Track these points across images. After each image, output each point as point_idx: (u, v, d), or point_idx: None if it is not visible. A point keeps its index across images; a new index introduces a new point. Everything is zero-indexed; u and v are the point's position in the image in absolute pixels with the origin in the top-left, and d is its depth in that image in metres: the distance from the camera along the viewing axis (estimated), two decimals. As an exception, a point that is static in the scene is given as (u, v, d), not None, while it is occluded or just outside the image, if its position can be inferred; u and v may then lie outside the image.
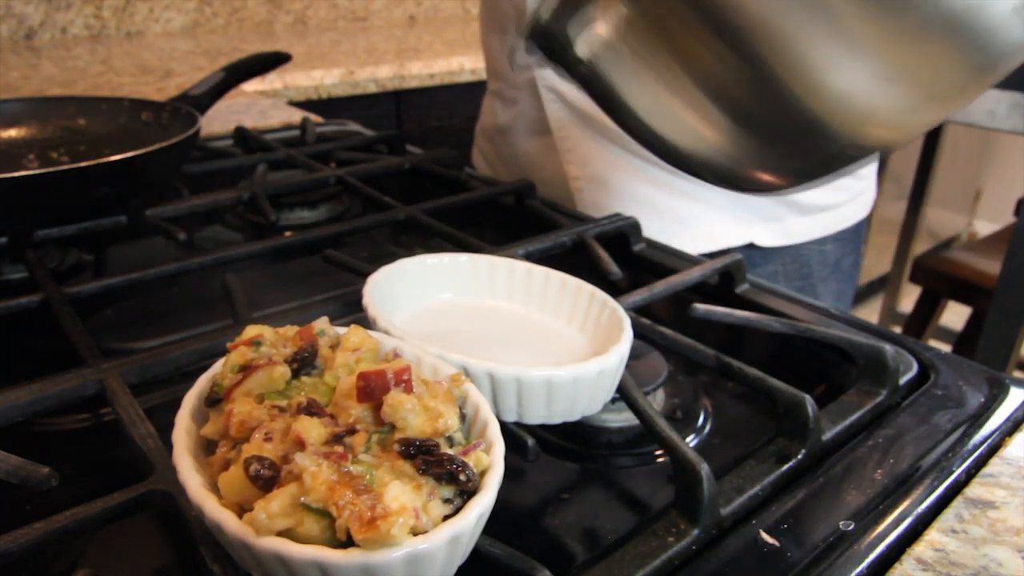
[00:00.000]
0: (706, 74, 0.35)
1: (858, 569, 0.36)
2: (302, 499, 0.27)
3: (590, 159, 0.92)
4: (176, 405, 0.35)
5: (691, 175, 0.45)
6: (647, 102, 0.39)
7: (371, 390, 0.31)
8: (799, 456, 0.43)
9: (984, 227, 3.60)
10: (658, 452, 0.48)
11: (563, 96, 0.91)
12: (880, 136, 0.38)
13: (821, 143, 0.38)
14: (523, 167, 1.00)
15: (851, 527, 0.39)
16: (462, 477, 0.29)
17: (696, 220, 0.88)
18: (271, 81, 1.56)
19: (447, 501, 0.30)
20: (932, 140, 2.45)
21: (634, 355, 0.45)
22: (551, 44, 0.38)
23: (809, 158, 0.40)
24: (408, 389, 0.32)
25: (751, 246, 0.91)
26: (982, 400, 0.49)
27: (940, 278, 2.20)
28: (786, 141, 0.39)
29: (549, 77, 0.91)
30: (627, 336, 0.42)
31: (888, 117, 0.36)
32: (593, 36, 0.36)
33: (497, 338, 0.47)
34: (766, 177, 0.43)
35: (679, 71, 0.36)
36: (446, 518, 0.29)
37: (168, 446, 0.33)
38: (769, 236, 0.91)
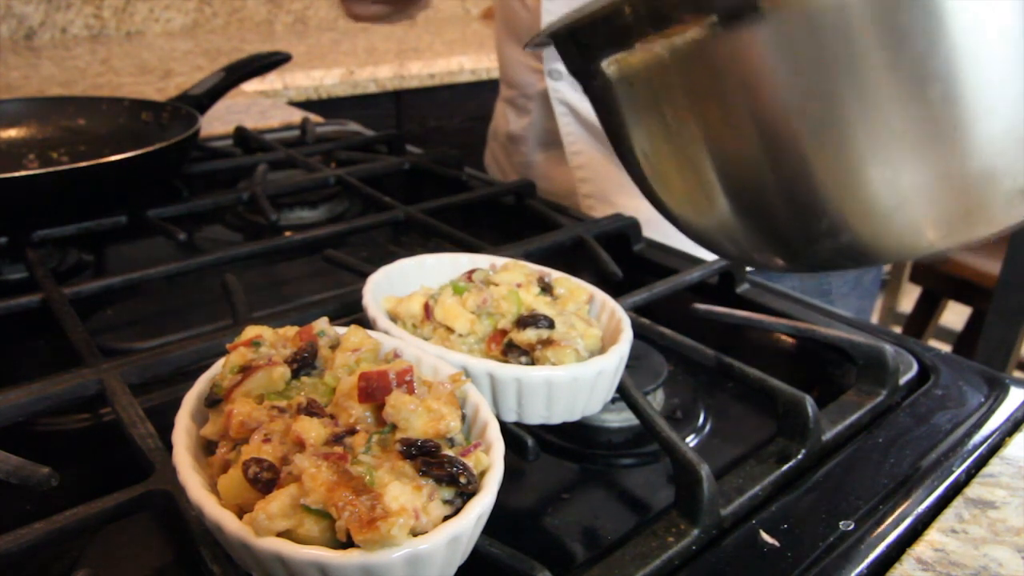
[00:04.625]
0: (720, 147, 0.33)
1: (858, 569, 0.36)
2: (302, 500, 0.27)
3: (601, 175, 0.91)
4: (176, 405, 0.35)
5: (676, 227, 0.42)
6: (648, 148, 0.36)
7: (372, 391, 0.31)
8: (799, 456, 0.43)
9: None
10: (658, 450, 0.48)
11: (576, 111, 0.90)
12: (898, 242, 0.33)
13: (835, 236, 0.34)
14: (534, 177, 0.99)
15: (851, 527, 0.39)
16: (462, 479, 0.29)
17: None
18: (271, 81, 1.56)
19: (447, 502, 0.30)
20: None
21: (634, 355, 0.45)
22: (576, 48, 0.36)
23: (816, 251, 0.36)
24: (410, 390, 0.32)
25: None
26: (982, 400, 0.49)
27: (940, 278, 2.20)
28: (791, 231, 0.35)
29: (562, 90, 0.89)
30: (627, 336, 0.42)
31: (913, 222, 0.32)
32: (622, 61, 0.34)
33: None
34: (750, 256, 0.39)
35: (692, 136, 0.33)
36: (446, 519, 0.29)
37: (168, 446, 0.33)
38: None
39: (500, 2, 0.97)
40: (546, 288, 0.45)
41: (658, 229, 0.90)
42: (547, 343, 0.40)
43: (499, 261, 0.49)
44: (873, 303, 1.04)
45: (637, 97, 0.35)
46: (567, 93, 0.89)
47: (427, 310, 0.43)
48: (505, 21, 0.96)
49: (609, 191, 0.90)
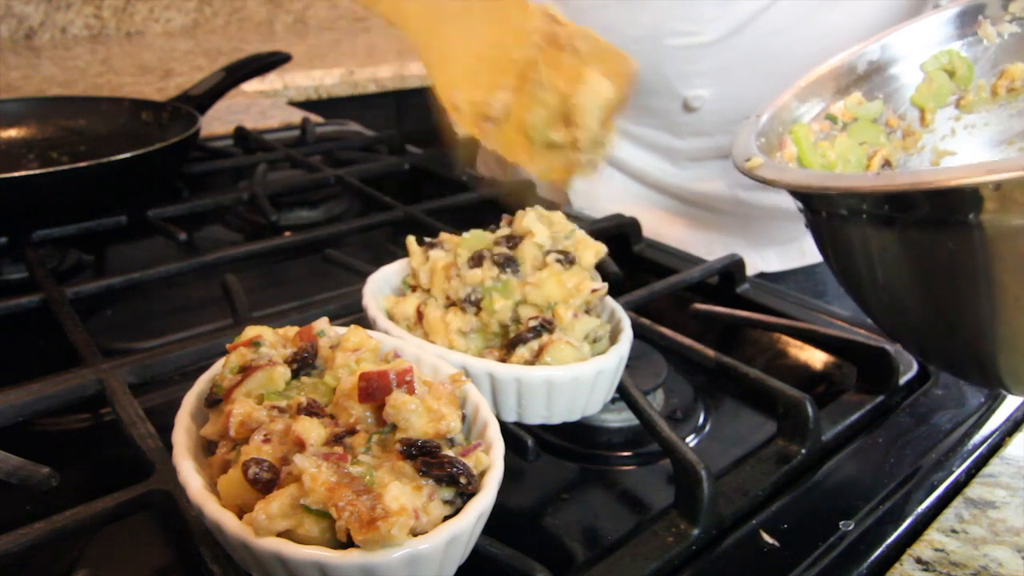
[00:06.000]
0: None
1: (858, 569, 0.36)
2: (302, 500, 0.27)
3: (594, 186, 0.91)
4: (176, 405, 0.35)
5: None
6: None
7: (373, 391, 0.31)
8: (799, 456, 0.43)
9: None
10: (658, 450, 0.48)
11: None
12: None
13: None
14: None
15: (851, 527, 0.39)
16: (462, 480, 0.29)
17: (704, 249, 0.86)
18: (271, 81, 1.56)
19: (447, 502, 0.30)
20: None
21: (634, 355, 0.45)
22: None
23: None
24: (411, 390, 0.32)
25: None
26: (982, 400, 0.49)
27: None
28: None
29: None
30: (627, 336, 0.42)
31: None
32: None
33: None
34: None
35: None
36: (446, 519, 0.29)
37: (168, 446, 0.33)
38: (783, 258, 0.89)
39: None
40: (566, 257, 0.43)
41: (658, 231, 0.90)
42: (543, 348, 0.40)
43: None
44: None
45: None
46: None
47: (420, 314, 0.43)
48: None
49: (600, 201, 0.90)
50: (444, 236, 0.46)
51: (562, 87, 0.42)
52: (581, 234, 0.45)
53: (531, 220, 0.44)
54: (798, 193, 0.41)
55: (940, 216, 0.34)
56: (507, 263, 0.42)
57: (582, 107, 0.41)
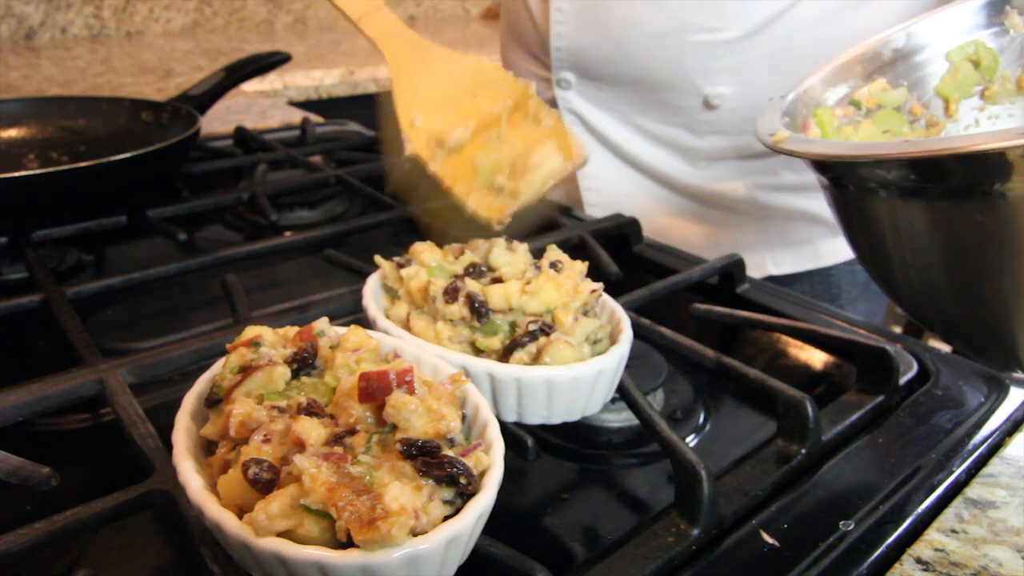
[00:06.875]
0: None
1: (858, 569, 0.36)
2: (302, 500, 0.27)
3: (608, 184, 0.90)
4: (176, 405, 0.35)
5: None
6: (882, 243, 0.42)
7: (373, 391, 0.31)
8: (799, 456, 0.43)
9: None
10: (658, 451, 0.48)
11: (585, 120, 0.89)
12: None
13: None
14: None
15: (851, 527, 0.39)
16: (462, 480, 0.29)
17: (715, 251, 0.85)
18: (271, 81, 1.56)
19: (447, 502, 0.30)
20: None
21: (634, 355, 0.45)
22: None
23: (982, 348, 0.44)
24: (411, 390, 0.32)
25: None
26: (982, 400, 0.49)
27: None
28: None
29: (571, 99, 0.88)
30: (627, 336, 0.42)
31: None
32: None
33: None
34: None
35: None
36: (446, 519, 0.29)
37: (168, 446, 0.33)
38: (797, 260, 0.88)
39: (506, 10, 0.96)
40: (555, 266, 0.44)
41: (670, 230, 0.90)
42: (541, 349, 0.40)
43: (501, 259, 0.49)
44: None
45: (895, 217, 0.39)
46: (576, 102, 0.88)
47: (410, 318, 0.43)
48: (511, 29, 0.95)
49: (614, 199, 0.89)
50: (415, 249, 0.46)
51: (519, 144, 0.44)
52: (557, 250, 0.46)
53: (498, 253, 0.45)
54: (824, 167, 0.41)
55: (968, 186, 0.34)
56: (481, 310, 0.41)
57: (534, 165, 0.43)
